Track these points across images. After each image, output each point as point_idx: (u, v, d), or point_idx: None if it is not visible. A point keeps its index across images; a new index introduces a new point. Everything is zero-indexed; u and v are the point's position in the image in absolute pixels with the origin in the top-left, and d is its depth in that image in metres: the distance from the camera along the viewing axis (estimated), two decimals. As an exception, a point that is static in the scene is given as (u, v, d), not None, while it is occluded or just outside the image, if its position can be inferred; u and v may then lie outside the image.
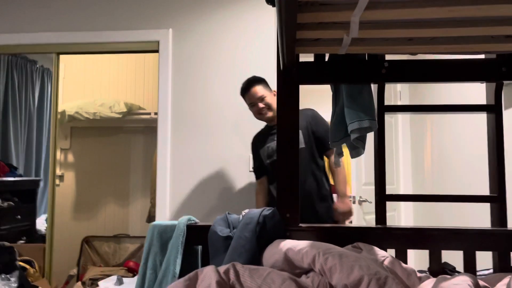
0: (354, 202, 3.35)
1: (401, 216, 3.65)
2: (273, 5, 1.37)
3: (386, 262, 1.15)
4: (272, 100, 2.39)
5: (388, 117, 1.46)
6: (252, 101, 2.43)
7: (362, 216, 3.39)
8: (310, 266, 1.06)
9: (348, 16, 1.00)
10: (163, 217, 2.91)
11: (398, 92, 3.77)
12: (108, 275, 3.18)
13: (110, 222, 4.10)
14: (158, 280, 1.29)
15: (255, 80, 2.44)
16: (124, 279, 2.92)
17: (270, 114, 2.41)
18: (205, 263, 1.37)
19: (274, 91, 2.44)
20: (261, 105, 2.40)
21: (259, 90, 2.40)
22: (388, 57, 1.39)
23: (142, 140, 4.18)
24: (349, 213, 2.36)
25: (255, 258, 1.22)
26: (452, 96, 2.68)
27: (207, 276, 0.83)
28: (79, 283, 3.30)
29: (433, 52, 1.25)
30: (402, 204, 3.66)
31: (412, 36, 1.14)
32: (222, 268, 0.89)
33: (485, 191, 1.99)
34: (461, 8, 0.95)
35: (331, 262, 1.01)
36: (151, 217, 3.56)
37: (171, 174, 2.96)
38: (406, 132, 3.78)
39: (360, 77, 1.38)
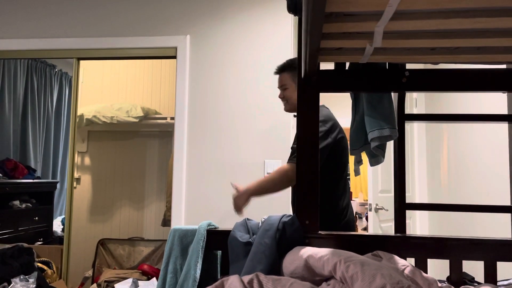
0: (370, 210, 3.33)
1: (416, 224, 3.62)
2: (295, 14, 1.38)
3: (406, 271, 1.15)
4: (293, 93, 2.17)
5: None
6: (278, 87, 2.28)
7: (379, 224, 3.37)
8: (331, 273, 1.07)
9: (372, 26, 1.01)
10: (178, 220, 2.94)
11: (414, 99, 3.75)
12: (123, 278, 3.21)
13: (125, 225, 4.14)
14: (178, 284, 1.30)
15: (287, 66, 2.22)
16: (139, 282, 2.95)
17: (285, 107, 2.26)
18: (224, 268, 1.38)
19: None
20: (280, 94, 2.25)
21: (284, 79, 2.21)
22: (408, 65, 1.40)
23: (158, 144, 4.23)
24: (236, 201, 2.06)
25: (275, 265, 1.23)
26: (469, 103, 2.66)
27: (233, 285, 0.85)
28: (94, 285, 3.33)
29: (455, 61, 1.25)
30: (418, 211, 3.64)
31: (435, 46, 1.14)
32: (246, 278, 0.90)
33: (502, 199, 1.97)
34: (485, 19, 0.95)
35: (353, 270, 1.01)
36: (166, 221, 3.59)
37: (187, 178, 2.99)
38: (421, 139, 3.76)
39: (380, 86, 1.39)
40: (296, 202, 1.35)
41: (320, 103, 1.42)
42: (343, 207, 2.13)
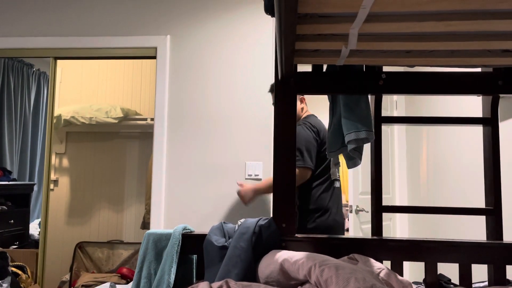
0: (351, 211, 3.35)
1: (397, 225, 3.65)
2: (272, 15, 1.37)
3: (382, 274, 1.15)
4: None
5: (384, 126, 1.46)
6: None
7: (359, 226, 3.38)
8: (306, 277, 1.06)
9: (347, 28, 1.00)
10: (157, 223, 2.90)
11: (394, 102, 3.78)
12: (101, 282, 3.14)
13: (104, 227, 4.07)
14: (152, 290, 1.27)
15: None
16: (118, 286, 2.89)
17: None
18: (200, 273, 1.36)
19: (302, 97, 2.43)
20: None
21: None
22: (385, 68, 1.40)
23: (138, 145, 4.17)
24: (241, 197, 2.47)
25: (250, 269, 1.21)
26: (448, 105, 2.69)
27: (202, 290, 0.83)
28: (72, 289, 3.27)
29: (430, 64, 1.26)
30: (398, 213, 3.66)
31: (410, 49, 1.14)
32: (215, 285, 0.88)
33: (480, 200, 1.99)
34: (459, 22, 0.96)
35: (327, 274, 1.00)
36: (145, 223, 3.54)
37: (167, 180, 2.95)
38: (402, 141, 3.79)
39: (357, 88, 1.39)
40: (273, 205, 1.34)
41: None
42: (322, 206, 2.25)
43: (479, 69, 1.42)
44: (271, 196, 2.70)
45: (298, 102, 2.42)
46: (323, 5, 0.90)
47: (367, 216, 3.44)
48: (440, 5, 0.87)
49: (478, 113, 1.64)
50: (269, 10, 1.34)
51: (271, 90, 2.46)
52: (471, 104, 2.12)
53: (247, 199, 2.44)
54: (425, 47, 1.11)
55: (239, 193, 2.47)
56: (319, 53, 1.20)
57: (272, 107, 2.33)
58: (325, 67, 1.46)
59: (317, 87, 1.40)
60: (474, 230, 2.05)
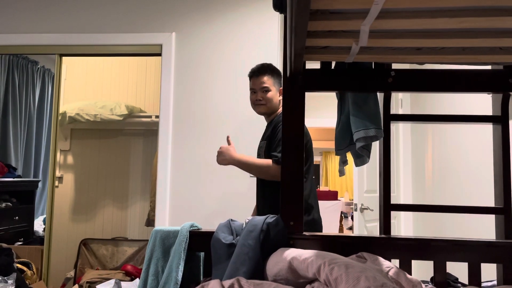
0: (355, 210, 3.34)
1: (401, 224, 3.64)
2: (280, 12, 1.36)
3: (391, 273, 1.14)
4: (274, 96, 2.24)
5: (390, 125, 1.47)
6: (254, 88, 2.26)
7: (364, 224, 3.38)
8: (315, 276, 1.05)
9: (358, 24, 0.99)
10: (162, 220, 2.90)
11: (399, 100, 3.76)
12: (106, 279, 3.15)
13: (109, 224, 4.08)
14: (160, 287, 1.27)
15: (269, 69, 2.26)
16: (122, 283, 2.89)
17: (262, 109, 2.27)
18: (207, 270, 1.36)
19: (281, 88, 2.24)
20: (260, 96, 2.24)
21: (266, 80, 2.23)
22: (394, 65, 1.39)
23: (142, 143, 4.17)
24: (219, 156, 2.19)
25: (258, 266, 1.21)
26: (454, 104, 2.68)
27: (212, 290, 0.82)
28: (76, 286, 3.27)
29: (441, 62, 1.25)
30: (402, 212, 3.65)
31: (421, 46, 1.14)
32: (227, 283, 0.87)
33: (484, 200, 1.98)
34: (472, 19, 0.95)
35: (337, 273, 0.99)
36: (150, 221, 3.55)
37: (172, 178, 2.95)
38: (406, 139, 3.78)
39: (366, 86, 1.38)
40: (280, 203, 1.33)
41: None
42: (308, 205, 2.15)
43: (489, 67, 1.41)
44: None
45: (277, 94, 2.25)
46: (335, 1, 0.89)
47: (371, 215, 3.43)
48: (454, 1, 0.86)
49: (483, 112, 1.63)
50: (277, 6, 1.33)
51: (251, 75, 2.29)
52: (477, 102, 2.11)
53: (219, 160, 2.19)
54: (436, 44, 1.10)
55: (220, 149, 2.21)
56: (329, 50, 1.19)
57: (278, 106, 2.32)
58: (333, 64, 1.46)
59: (325, 84, 1.39)
60: (478, 229, 2.04)
